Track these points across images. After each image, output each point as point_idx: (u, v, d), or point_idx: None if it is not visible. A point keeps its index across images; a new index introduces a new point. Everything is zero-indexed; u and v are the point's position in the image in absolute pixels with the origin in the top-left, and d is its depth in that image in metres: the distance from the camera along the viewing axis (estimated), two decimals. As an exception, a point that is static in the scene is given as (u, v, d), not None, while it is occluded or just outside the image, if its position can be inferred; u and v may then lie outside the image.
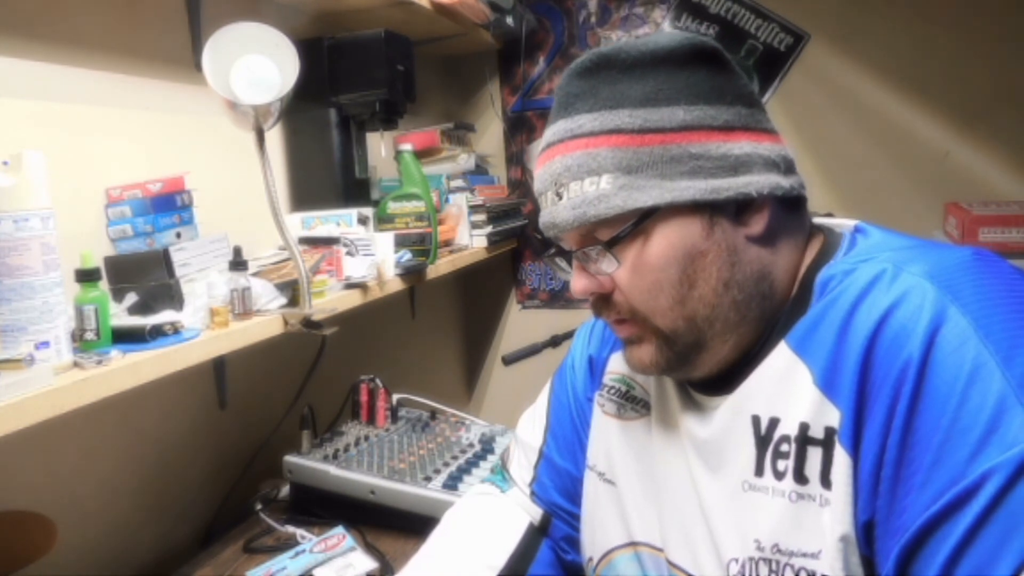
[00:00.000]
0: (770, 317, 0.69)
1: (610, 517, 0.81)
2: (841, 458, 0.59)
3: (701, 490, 0.70)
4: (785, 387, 0.64)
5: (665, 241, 0.66)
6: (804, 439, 0.61)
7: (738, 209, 0.67)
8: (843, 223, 0.75)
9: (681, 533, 0.71)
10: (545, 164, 0.70)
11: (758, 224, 0.67)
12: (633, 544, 0.78)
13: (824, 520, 0.59)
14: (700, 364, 0.70)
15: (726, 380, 0.70)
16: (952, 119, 1.91)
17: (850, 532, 0.58)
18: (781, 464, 0.63)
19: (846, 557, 0.58)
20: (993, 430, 0.51)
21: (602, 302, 0.72)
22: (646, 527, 0.76)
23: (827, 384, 0.60)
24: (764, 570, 0.62)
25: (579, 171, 0.66)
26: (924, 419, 0.54)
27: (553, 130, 0.70)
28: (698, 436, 0.71)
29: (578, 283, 0.71)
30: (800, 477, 0.61)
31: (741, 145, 0.66)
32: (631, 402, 0.82)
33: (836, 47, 2.00)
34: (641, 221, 0.66)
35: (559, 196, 0.68)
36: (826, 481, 0.59)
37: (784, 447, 0.63)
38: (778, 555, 0.61)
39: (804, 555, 0.60)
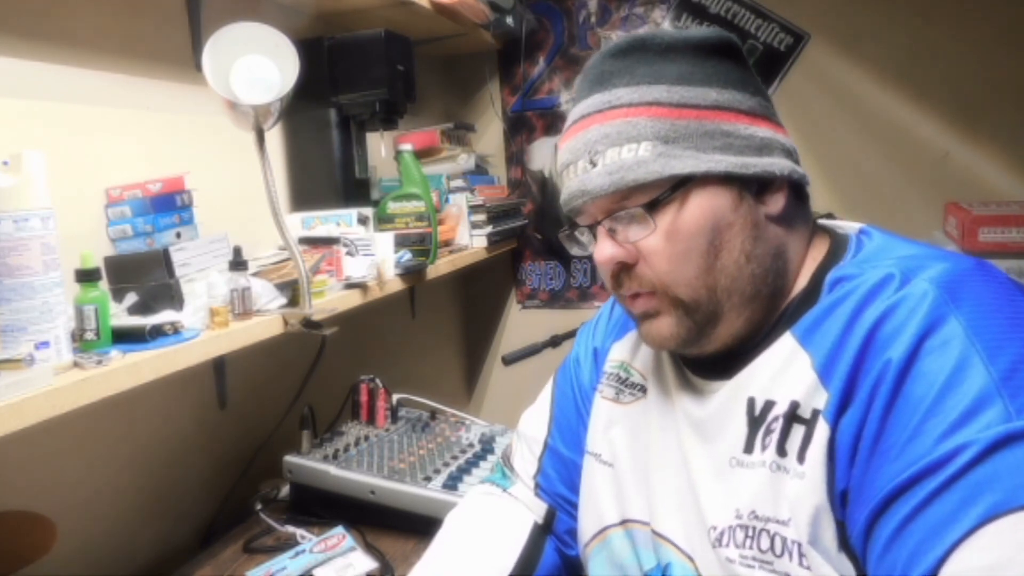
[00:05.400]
0: (780, 301, 0.71)
1: (606, 497, 0.82)
2: (821, 431, 0.61)
3: (691, 464, 0.73)
4: (784, 372, 0.67)
5: (699, 209, 0.68)
6: (792, 416, 0.64)
7: (759, 188, 0.70)
8: (846, 225, 0.78)
9: (669, 505, 0.74)
10: (578, 134, 0.72)
11: (777, 204, 0.71)
12: (624, 522, 0.80)
13: (794, 492, 0.62)
14: (715, 337, 0.71)
15: (727, 366, 0.72)
16: (952, 119, 1.91)
17: (824, 502, 0.61)
18: (768, 439, 0.66)
19: (816, 525, 0.61)
20: (971, 415, 0.54)
21: (624, 274, 0.72)
22: (637, 504, 0.79)
23: (824, 370, 0.63)
24: (740, 535, 0.65)
25: (618, 138, 0.69)
26: (906, 401, 0.57)
27: (587, 103, 0.72)
28: (694, 415, 0.74)
29: (604, 251, 0.71)
30: (781, 450, 0.64)
31: (764, 130, 0.71)
32: (628, 387, 0.85)
33: (836, 47, 2.00)
34: (677, 188, 0.68)
35: (593, 163, 0.70)
36: (802, 457, 0.63)
37: (774, 425, 0.66)
38: (754, 521, 0.65)
39: (777, 522, 0.63)
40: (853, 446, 0.59)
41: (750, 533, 0.65)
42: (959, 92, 1.90)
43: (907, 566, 0.53)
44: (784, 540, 0.62)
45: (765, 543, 0.63)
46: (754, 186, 0.70)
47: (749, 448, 0.67)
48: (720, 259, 0.68)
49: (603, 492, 0.83)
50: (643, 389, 0.83)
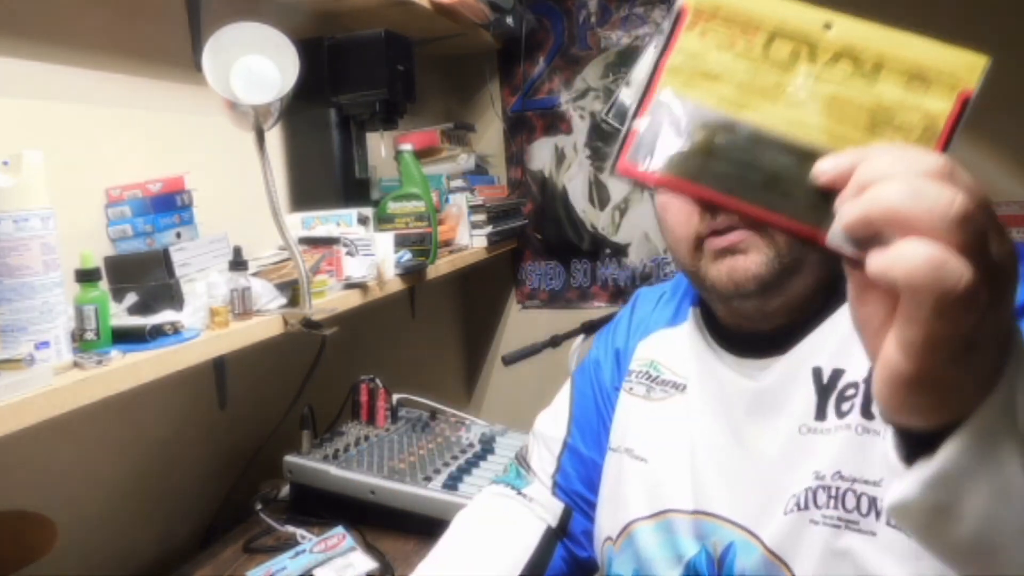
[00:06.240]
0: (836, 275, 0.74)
1: (634, 492, 0.82)
2: None
3: (748, 441, 0.73)
4: (852, 343, 0.67)
5: None
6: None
7: None
8: None
9: (722, 486, 0.74)
10: None
11: None
12: (659, 514, 0.79)
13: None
14: (786, 291, 0.72)
15: (778, 343, 0.73)
16: (952, 119, 1.91)
17: None
18: (845, 405, 0.67)
19: None
20: None
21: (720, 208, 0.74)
22: (678, 493, 0.78)
23: None
24: (823, 496, 0.65)
25: None
26: None
27: None
28: (748, 391, 0.75)
29: None
30: (867, 413, 0.65)
31: None
32: (660, 384, 0.86)
33: (836, 47, 1.99)
34: None
35: None
36: None
37: (850, 391, 0.67)
38: (839, 481, 0.65)
39: (866, 482, 0.63)
40: None
41: (833, 493, 0.65)
42: (959, 92, 1.90)
43: None
44: (872, 499, 0.63)
45: (851, 502, 0.64)
46: None
47: (821, 415, 0.68)
48: None
49: (633, 487, 0.83)
50: (676, 386, 0.84)
